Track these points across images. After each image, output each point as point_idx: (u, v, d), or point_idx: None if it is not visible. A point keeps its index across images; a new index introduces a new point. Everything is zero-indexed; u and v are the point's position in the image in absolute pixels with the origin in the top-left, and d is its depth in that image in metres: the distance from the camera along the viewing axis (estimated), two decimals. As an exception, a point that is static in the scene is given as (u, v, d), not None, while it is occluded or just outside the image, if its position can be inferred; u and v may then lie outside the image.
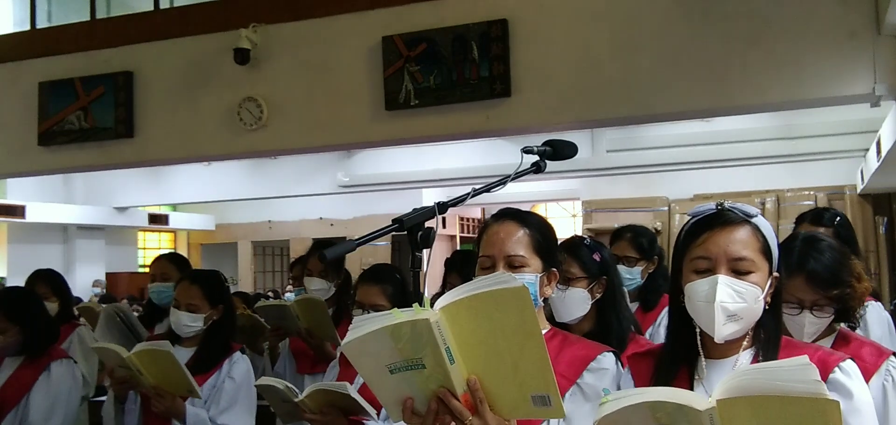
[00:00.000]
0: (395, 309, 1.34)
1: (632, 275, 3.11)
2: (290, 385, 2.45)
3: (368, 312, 2.47)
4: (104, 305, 3.61)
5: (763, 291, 1.47)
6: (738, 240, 1.47)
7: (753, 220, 1.51)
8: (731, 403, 1.16)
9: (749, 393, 1.15)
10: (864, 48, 3.90)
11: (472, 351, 1.34)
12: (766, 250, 1.49)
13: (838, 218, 2.96)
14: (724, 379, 1.19)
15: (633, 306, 2.96)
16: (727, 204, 1.53)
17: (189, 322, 2.81)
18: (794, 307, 1.98)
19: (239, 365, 2.83)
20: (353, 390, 2.26)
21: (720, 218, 1.50)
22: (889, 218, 9.09)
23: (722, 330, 1.44)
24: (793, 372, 1.12)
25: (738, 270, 1.46)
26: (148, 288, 3.71)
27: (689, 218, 1.57)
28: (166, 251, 4.35)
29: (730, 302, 1.44)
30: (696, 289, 1.47)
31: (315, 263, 3.59)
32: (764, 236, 1.50)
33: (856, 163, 8.69)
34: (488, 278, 1.32)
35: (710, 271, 1.47)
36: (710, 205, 1.54)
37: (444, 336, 1.31)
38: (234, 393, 2.76)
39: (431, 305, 1.33)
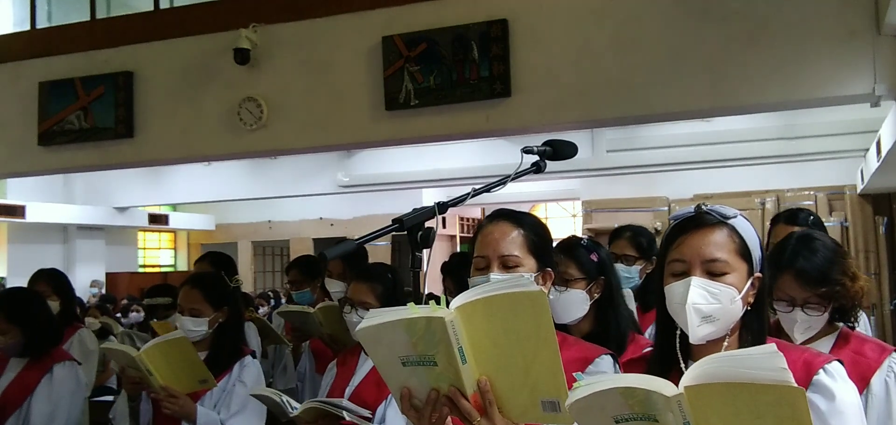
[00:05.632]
0: (412, 303, 1.35)
1: (629, 274, 3.10)
2: (286, 398, 2.45)
3: (357, 310, 2.52)
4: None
5: (740, 292, 1.46)
6: (713, 242, 1.48)
7: (730, 222, 1.50)
8: (698, 390, 1.16)
9: (716, 380, 1.15)
10: (864, 48, 3.90)
11: (484, 351, 1.34)
12: (743, 251, 1.49)
13: (812, 217, 2.97)
14: (692, 367, 1.18)
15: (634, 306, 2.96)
16: (706, 206, 1.54)
17: (193, 326, 2.79)
18: (785, 304, 2.00)
19: (250, 369, 2.82)
20: (347, 404, 2.29)
21: (696, 220, 1.51)
22: (889, 218, 9.07)
23: (697, 332, 1.45)
24: (759, 360, 1.12)
25: (712, 272, 1.46)
26: None
27: (671, 222, 1.59)
28: (210, 250, 4.28)
29: (703, 303, 1.44)
30: (672, 291, 1.49)
31: (336, 264, 3.58)
32: (741, 237, 1.50)
33: (856, 163, 8.67)
34: (506, 281, 1.33)
35: (686, 274, 1.47)
36: (690, 209, 1.55)
37: (457, 335, 1.31)
38: (245, 397, 2.74)
39: (447, 304, 1.33)
